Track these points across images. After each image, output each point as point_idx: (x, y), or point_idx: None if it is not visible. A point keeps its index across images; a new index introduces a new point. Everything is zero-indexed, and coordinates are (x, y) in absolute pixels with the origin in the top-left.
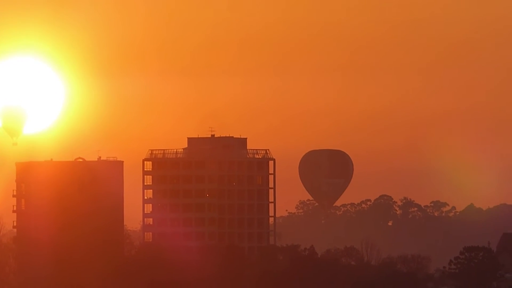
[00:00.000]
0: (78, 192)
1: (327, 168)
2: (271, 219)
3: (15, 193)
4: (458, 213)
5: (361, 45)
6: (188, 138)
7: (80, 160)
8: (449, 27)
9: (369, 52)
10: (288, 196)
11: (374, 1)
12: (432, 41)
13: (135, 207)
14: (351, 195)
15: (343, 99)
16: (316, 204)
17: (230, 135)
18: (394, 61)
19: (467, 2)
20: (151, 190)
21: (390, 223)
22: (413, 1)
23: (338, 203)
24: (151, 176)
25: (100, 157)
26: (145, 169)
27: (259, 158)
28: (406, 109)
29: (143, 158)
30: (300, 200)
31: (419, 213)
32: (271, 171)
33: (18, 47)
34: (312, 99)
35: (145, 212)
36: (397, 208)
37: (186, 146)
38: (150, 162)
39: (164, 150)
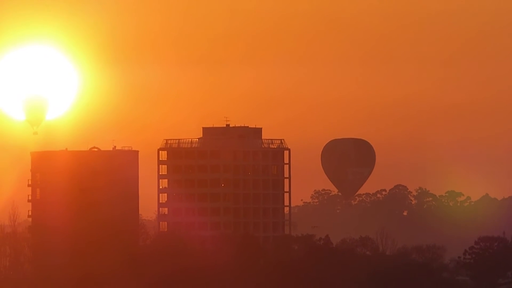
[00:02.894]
0: (93, 182)
1: (354, 157)
2: (286, 209)
3: (30, 183)
4: (473, 203)
5: (379, 35)
6: (203, 127)
7: (95, 149)
8: (471, 18)
9: (386, 42)
10: (303, 185)
11: None
12: (453, 32)
13: (150, 196)
14: (366, 185)
15: (358, 90)
16: (332, 193)
17: (245, 125)
18: (412, 52)
19: None
20: (166, 180)
21: (405, 213)
22: None
23: None
24: (166, 166)
25: (115, 146)
26: (160, 159)
27: (274, 148)
28: (422, 100)
29: (158, 148)
30: (315, 190)
31: (434, 203)
32: (286, 160)
33: (33, 36)
34: (327, 89)
35: (160, 201)
36: (412, 198)
37: (201, 135)
38: (165, 152)
39: (179, 139)
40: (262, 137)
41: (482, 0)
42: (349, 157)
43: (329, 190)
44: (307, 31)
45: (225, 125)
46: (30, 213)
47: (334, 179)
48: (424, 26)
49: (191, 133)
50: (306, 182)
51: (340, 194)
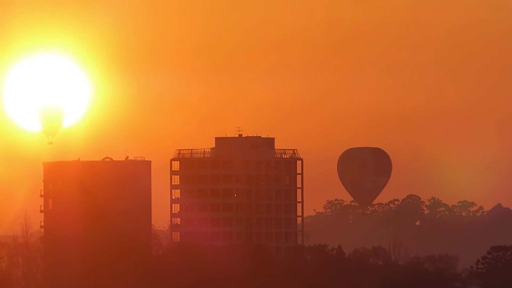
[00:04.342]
0: (105, 192)
1: (372, 166)
2: (299, 219)
3: (42, 193)
4: (485, 212)
5: (395, 45)
6: (215, 137)
7: (108, 159)
8: (489, 31)
9: (402, 52)
10: (316, 195)
11: (413, 1)
12: (471, 44)
13: (163, 207)
14: (379, 195)
15: (370, 101)
16: (345, 203)
17: (258, 135)
18: (429, 63)
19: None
20: (179, 190)
21: (417, 223)
22: (456, 2)
23: None
24: (178, 176)
25: (127, 156)
26: (173, 169)
27: (286, 157)
28: (435, 110)
29: (171, 158)
30: (328, 200)
31: (446, 213)
32: (299, 171)
33: (46, 45)
34: (338, 100)
35: (173, 212)
36: (425, 208)
37: (214, 145)
38: (178, 162)
39: (191, 150)
40: (275, 147)
41: (502, 13)
42: (367, 166)
43: (342, 200)
44: (321, 42)
45: (237, 135)
46: (42, 224)
47: (351, 188)
48: (442, 38)
49: (204, 143)
50: (318, 192)
51: (353, 204)
